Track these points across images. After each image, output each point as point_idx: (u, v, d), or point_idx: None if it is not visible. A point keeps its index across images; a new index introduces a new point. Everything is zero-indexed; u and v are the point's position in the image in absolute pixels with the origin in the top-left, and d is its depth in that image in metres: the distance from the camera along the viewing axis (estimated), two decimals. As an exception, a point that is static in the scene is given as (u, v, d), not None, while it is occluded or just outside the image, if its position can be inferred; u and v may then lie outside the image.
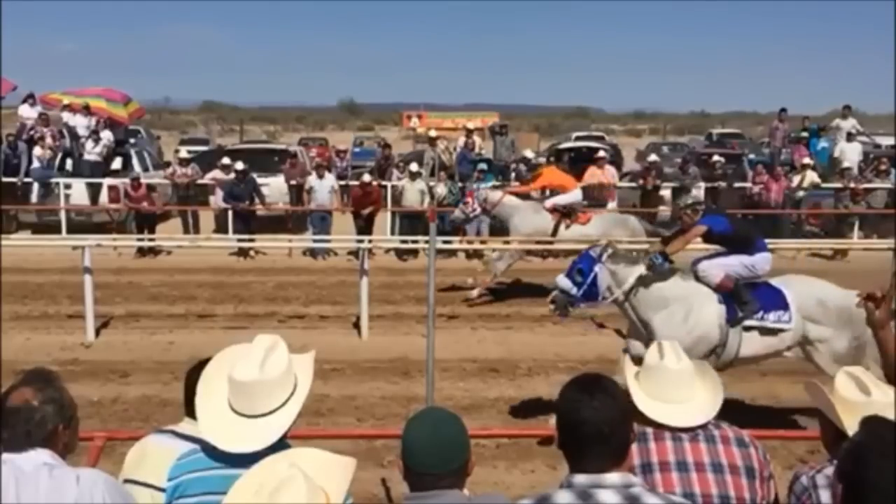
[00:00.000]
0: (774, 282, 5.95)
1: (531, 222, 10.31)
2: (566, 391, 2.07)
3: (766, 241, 6.02)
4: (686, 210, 6.05)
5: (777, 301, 5.78)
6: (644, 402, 2.48)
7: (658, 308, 5.71)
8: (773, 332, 5.76)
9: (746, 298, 5.72)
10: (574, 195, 10.64)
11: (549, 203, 10.44)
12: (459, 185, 14.09)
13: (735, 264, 5.79)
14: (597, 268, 5.60)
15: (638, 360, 5.98)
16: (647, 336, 5.77)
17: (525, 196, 10.77)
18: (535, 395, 6.91)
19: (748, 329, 5.75)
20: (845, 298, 5.86)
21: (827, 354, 5.78)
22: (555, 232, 10.25)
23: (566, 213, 10.37)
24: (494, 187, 11.42)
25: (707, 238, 6.08)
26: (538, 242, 10.25)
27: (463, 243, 12.67)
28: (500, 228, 11.11)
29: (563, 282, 5.64)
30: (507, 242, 10.60)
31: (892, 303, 2.84)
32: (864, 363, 5.89)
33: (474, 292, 10.24)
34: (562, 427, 2.02)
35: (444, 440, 2.02)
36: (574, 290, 5.59)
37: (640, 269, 5.66)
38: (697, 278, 5.88)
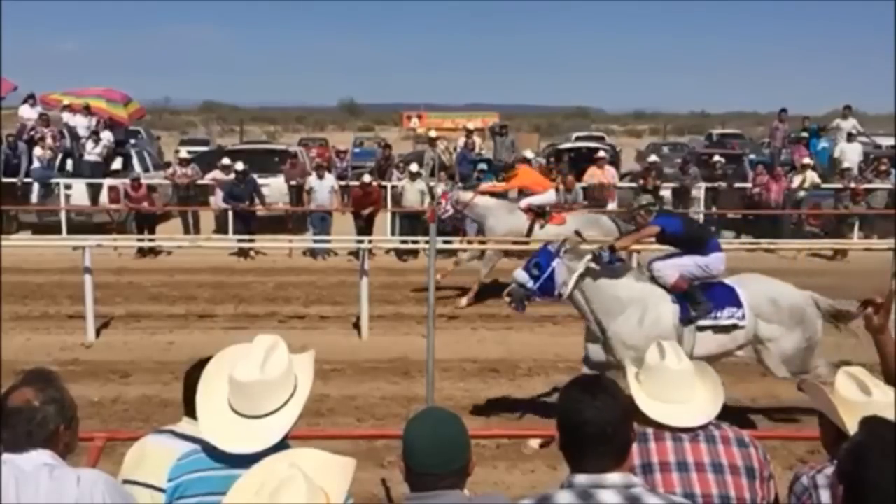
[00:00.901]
0: (729, 280, 5.97)
1: (506, 223, 10.37)
2: (568, 392, 2.07)
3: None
4: (640, 211, 6.15)
5: (730, 299, 5.80)
6: (645, 402, 2.49)
7: (613, 310, 5.71)
8: (726, 329, 5.77)
9: (700, 299, 5.74)
10: (548, 196, 10.71)
11: (524, 203, 10.51)
12: (460, 185, 14.09)
13: (689, 264, 5.81)
14: (554, 263, 5.63)
15: (595, 365, 6.03)
16: (604, 339, 5.79)
17: (510, 196, 10.82)
18: (535, 395, 6.92)
19: (702, 329, 5.76)
20: (799, 298, 5.91)
21: (776, 354, 5.80)
22: (529, 232, 10.28)
23: (540, 213, 10.42)
24: (469, 188, 11.44)
25: (660, 239, 6.12)
26: (514, 243, 10.28)
27: (463, 243, 12.66)
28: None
29: (521, 275, 5.67)
30: (483, 243, 10.63)
31: (893, 306, 2.83)
32: (814, 363, 5.93)
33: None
34: (564, 427, 2.02)
35: (445, 440, 2.03)
36: (530, 284, 5.61)
37: (587, 262, 5.68)
38: (653, 279, 5.90)
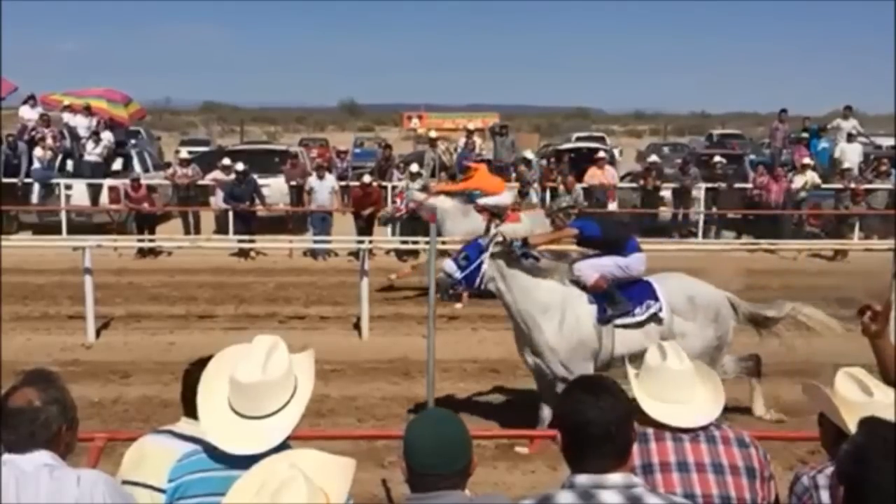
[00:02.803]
0: (648, 277, 6.03)
1: (462, 225, 10.39)
2: (570, 392, 2.07)
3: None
4: (558, 213, 6.23)
5: (648, 294, 5.87)
6: (647, 402, 2.49)
7: (535, 313, 5.78)
8: (644, 325, 5.82)
9: (618, 298, 5.80)
10: (503, 197, 10.77)
11: (480, 203, 10.54)
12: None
13: (609, 265, 5.87)
14: (483, 257, 5.74)
15: (534, 369, 6.07)
16: (531, 344, 5.85)
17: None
18: (535, 395, 6.91)
19: (620, 327, 5.81)
20: (715, 297, 6.00)
21: (685, 350, 5.78)
22: (486, 231, 10.31)
23: (496, 213, 10.44)
24: (422, 188, 11.44)
25: (579, 241, 6.22)
26: None
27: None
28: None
29: (449, 266, 5.79)
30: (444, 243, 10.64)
31: (893, 309, 2.83)
32: (720, 362, 5.99)
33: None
34: (566, 428, 2.03)
35: (446, 440, 2.03)
36: (457, 274, 5.72)
37: (495, 242, 5.76)
38: (574, 280, 5.95)
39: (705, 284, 6.10)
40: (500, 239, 5.91)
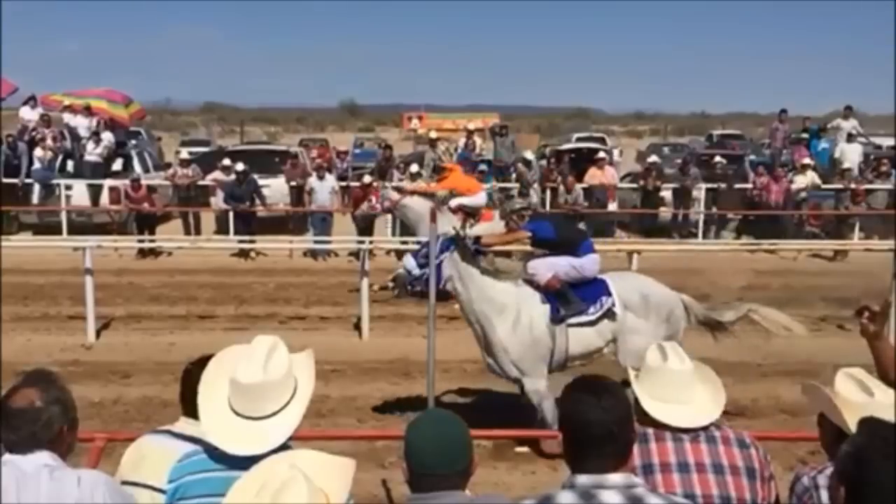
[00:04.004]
0: (602, 275, 6.04)
1: (438, 227, 10.35)
2: (571, 393, 2.07)
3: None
4: (512, 215, 6.25)
5: (602, 291, 5.87)
6: (648, 402, 2.49)
7: (490, 314, 5.78)
8: (597, 324, 5.82)
9: (572, 298, 5.79)
10: (478, 198, 10.78)
11: (455, 203, 10.54)
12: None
13: (563, 265, 5.86)
14: (443, 256, 5.72)
15: (493, 369, 6.04)
16: (486, 344, 5.85)
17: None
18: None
19: (574, 326, 5.80)
20: (668, 297, 6.02)
21: (634, 347, 5.73)
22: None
23: (470, 214, 10.45)
24: (395, 188, 11.43)
25: (534, 243, 6.23)
26: None
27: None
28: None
29: (409, 262, 5.78)
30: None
31: (893, 309, 2.84)
32: None
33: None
34: (568, 428, 2.03)
35: (447, 441, 2.03)
36: (417, 272, 5.70)
37: (452, 225, 5.75)
38: (528, 280, 5.95)
39: (659, 284, 6.11)
40: (454, 233, 5.91)
